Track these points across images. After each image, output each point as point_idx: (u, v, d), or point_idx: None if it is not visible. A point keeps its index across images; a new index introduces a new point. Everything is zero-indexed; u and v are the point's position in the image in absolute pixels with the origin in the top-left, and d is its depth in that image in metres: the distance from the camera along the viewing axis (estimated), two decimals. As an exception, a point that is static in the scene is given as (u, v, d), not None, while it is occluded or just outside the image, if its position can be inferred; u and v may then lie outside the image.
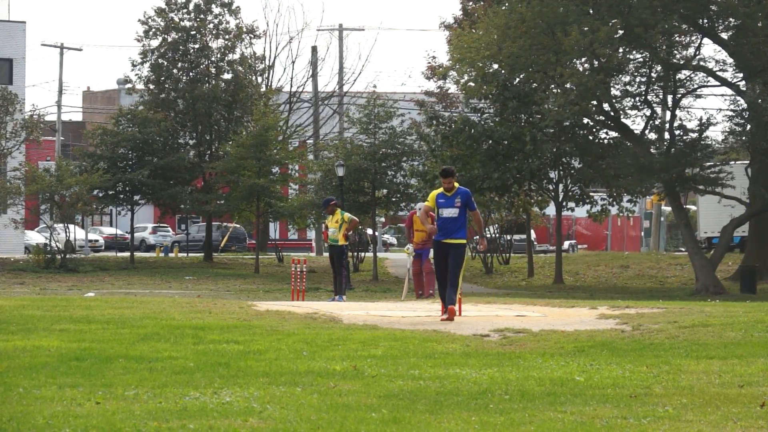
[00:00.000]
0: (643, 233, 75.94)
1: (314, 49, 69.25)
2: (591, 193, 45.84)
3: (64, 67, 79.28)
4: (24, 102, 54.39)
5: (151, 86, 55.44)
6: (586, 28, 39.22)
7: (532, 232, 54.04)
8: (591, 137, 44.15)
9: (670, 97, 42.56)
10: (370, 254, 52.66)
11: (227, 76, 55.85)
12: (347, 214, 26.41)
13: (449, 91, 60.73)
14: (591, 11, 40.76)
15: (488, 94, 43.81)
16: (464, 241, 17.33)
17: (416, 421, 8.77)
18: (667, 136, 42.33)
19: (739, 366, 11.81)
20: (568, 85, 41.21)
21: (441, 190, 17.33)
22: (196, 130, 55.77)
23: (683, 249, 55.03)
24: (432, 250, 18.25)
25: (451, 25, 57.10)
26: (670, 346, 13.67)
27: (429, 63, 61.35)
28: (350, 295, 35.11)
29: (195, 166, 54.91)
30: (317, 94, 68.26)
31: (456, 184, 17.31)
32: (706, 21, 41.57)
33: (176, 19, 55.20)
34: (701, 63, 42.40)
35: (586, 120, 43.64)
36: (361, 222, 52.63)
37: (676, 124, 42.23)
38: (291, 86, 68.09)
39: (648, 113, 42.88)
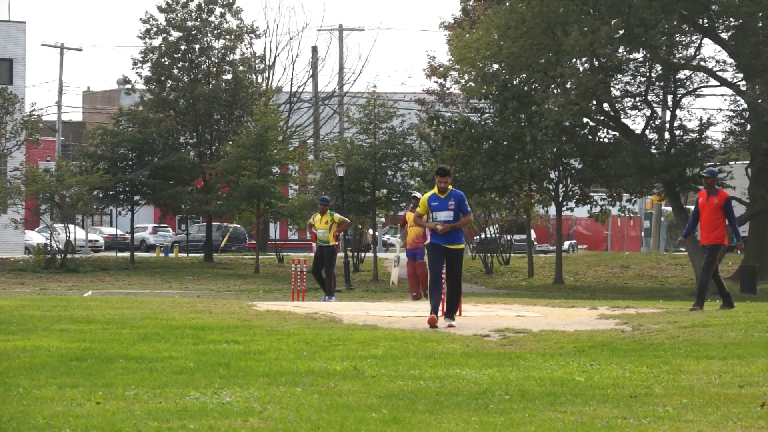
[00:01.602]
0: (643, 233, 75.94)
1: (314, 49, 69.27)
2: (591, 193, 45.83)
3: (64, 67, 79.33)
4: (24, 102, 54.34)
5: (153, 85, 55.41)
6: (586, 28, 39.23)
7: (532, 232, 54.03)
8: (591, 137, 44.15)
9: (670, 97, 42.57)
10: (370, 254, 52.65)
11: (228, 76, 55.85)
12: (337, 215, 26.59)
13: (450, 91, 60.77)
14: (591, 11, 40.76)
15: (488, 94, 43.80)
16: (463, 246, 17.05)
17: (416, 421, 8.76)
18: (667, 136, 42.36)
19: (739, 366, 11.80)
20: (568, 85, 41.21)
21: (434, 192, 16.84)
22: (197, 130, 55.78)
23: (683, 249, 55.03)
24: (426, 253, 17.47)
25: (451, 25, 57.08)
26: (670, 346, 13.67)
27: (429, 63, 61.36)
28: (350, 296, 35.13)
29: (195, 167, 54.91)
30: (317, 94, 68.25)
31: (449, 186, 16.91)
32: (706, 21, 41.58)
33: (178, 19, 55.21)
34: (701, 63, 42.42)
35: (586, 120, 43.64)
36: (362, 222, 52.71)
37: (676, 124, 42.25)
38: (291, 86, 68.12)
39: (648, 113, 42.91)
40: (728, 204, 18.58)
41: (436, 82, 61.00)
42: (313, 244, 26.80)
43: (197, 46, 55.26)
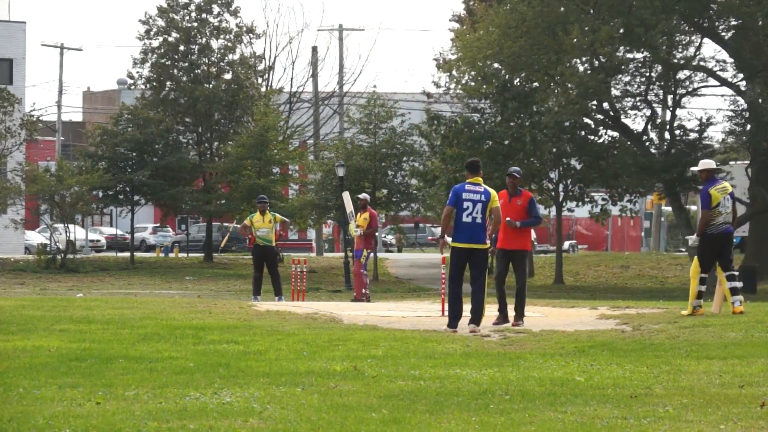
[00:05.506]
0: (643, 233, 75.96)
1: (314, 50, 69.21)
2: (591, 194, 45.81)
3: (64, 67, 79.35)
4: (23, 102, 54.30)
5: (152, 85, 55.38)
6: (586, 28, 39.25)
7: (533, 232, 54.01)
8: (591, 137, 44.14)
9: (670, 97, 42.58)
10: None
11: (228, 76, 55.80)
12: (279, 215, 26.62)
13: (453, 88, 60.72)
14: (592, 11, 40.77)
15: (488, 94, 43.80)
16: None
17: (416, 422, 8.76)
18: (667, 136, 42.37)
19: (740, 366, 11.79)
20: (568, 85, 41.22)
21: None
22: (197, 130, 55.76)
23: (683, 249, 55.02)
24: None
25: (457, 21, 57.09)
26: (671, 346, 13.66)
27: (440, 53, 61.30)
28: (351, 296, 35.10)
29: (195, 167, 54.89)
30: (317, 94, 68.19)
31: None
32: (706, 21, 41.59)
33: (177, 19, 55.17)
34: (701, 63, 42.43)
35: (586, 120, 43.64)
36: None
37: (676, 124, 42.26)
38: (291, 86, 68.05)
39: (648, 113, 42.92)
40: (532, 205, 17.00)
41: (445, 74, 60.97)
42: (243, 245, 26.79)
43: (196, 47, 55.21)
